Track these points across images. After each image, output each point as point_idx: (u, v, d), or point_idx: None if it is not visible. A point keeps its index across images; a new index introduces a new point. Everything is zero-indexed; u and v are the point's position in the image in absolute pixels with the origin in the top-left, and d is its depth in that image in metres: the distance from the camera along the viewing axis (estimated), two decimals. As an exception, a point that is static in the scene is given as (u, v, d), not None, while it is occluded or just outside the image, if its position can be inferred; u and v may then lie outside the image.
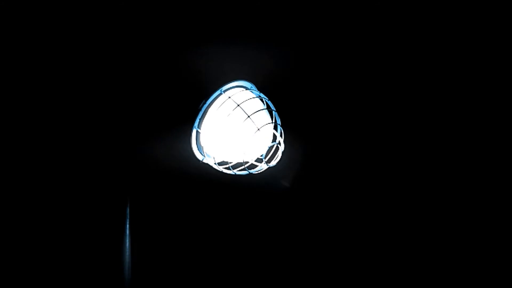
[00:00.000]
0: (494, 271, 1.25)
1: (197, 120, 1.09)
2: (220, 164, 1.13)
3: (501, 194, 1.28)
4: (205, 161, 1.14)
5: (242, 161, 1.10)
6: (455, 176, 1.29)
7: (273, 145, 1.13)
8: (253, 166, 1.14)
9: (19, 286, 1.11)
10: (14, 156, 1.15)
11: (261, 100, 1.13)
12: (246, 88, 1.14)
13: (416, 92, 1.32)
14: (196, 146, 1.12)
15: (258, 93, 1.14)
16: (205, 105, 1.09)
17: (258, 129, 1.07)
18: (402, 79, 1.32)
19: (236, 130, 1.07)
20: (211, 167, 1.14)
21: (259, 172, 1.14)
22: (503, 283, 1.25)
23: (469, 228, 1.27)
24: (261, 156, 1.12)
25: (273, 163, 1.13)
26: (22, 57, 1.16)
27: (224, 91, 1.10)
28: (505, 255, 1.25)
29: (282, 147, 1.13)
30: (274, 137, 1.14)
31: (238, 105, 1.08)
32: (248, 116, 1.07)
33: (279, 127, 1.13)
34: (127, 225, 1.15)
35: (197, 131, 1.10)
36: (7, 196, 1.14)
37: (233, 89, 1.12)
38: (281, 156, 1.13)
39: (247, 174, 1.14)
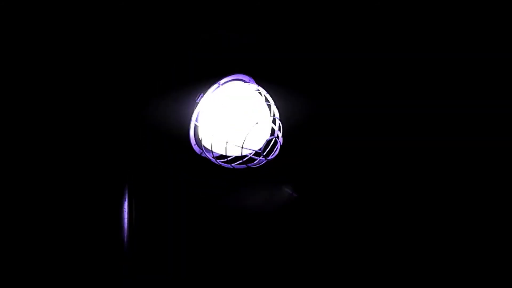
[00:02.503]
0: (494, 271, 1.25)
1: (195, 114, 1.09)
2: (218, 158, 1.13)
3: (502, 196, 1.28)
4: (203, 154, 1.14)
5: (240, 155, 1.10)
6: (456, 176, 1.29)
7: (272, 139, 1.12)
8: (251, 160, 1.14)
9: (18, 283, 1.11)
10: (12, 153, 1.16)
11: (259, 93, 1.13)
12: (244, 81, 1.14)
13: (416, 88, 1.31)
14: (194, 139, 1.12)
15: (256, 86, 1.13)
16: (203, 99, 1.09)
17: (256, 123, 1.07)
18: (402, 75, 1.31)
19: (234, 124, 1.07)
20: (209, 160, 1.14)
21: (257, 166, 1.14)
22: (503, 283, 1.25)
23: (470, 230, 1.27)
24: (259, 150, 1.11)
25: (271, 157, 1.13)
26: (22, 57, 1.16)
27: (222, 84, 1.10)
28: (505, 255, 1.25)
29: (280, 141, 1.13)
30: (273, 130, 1.13)
31: (236, 99, 1.07)
32: (246, 110, 1.06)
33: (277, 121, 1.13)
34: (125, 220, 1.15)
35: (195, 125, 1.10)
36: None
37: (231, 82, 1.12)
38: (279, 150, 1.13)
39: (245, 168, 1.13)
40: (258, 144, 1.11)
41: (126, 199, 1.16)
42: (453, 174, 1.29)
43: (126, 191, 1.16)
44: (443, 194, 1.28)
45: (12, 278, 1.11)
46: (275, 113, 1.13)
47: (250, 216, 1.25)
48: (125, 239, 1.14)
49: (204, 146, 1.12)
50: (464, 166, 1.28)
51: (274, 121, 1.14)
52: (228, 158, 1.11)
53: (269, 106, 1.13)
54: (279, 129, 1.13)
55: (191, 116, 1.09)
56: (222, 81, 1.10)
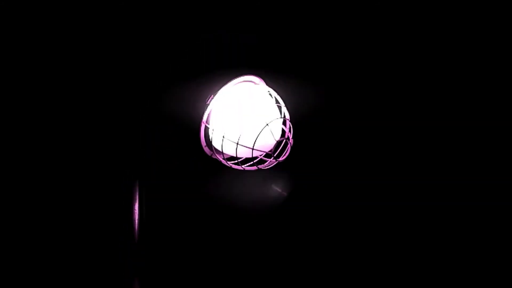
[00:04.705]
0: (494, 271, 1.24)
1: (206, 115, 1.09)
2: (228, 159, 1.13)
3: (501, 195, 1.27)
4: (213, 156, 1.14)
5: (251, 157, 1.10)
6: (456, 177, 1.28)
7: (282, 140, 1.12)
8: (262, 162, 1.13)
9: (20, 285, 1.11)
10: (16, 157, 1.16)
11: (270, 95, 1.13)
12: (255, 83, 1.14)
13: (421, 90, 1.31)
14: (204, 141, 1.12)
15: (266, 87, 1.13)
16: (214, 100, 1.09)
17: (267, 124, 1.06)
18: (409, 76, 1.31)
19: (245, 125, 1.07)
20: (220, 162, 1.14)
21: (268, 167, 1.14)
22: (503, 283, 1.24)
23: (470, 228, 1.26)
24: (270, 151, 1.11)
25: (282, 158, 1.12)
26: (22, 57, 1.17)
27: (233, 86, 1.10)
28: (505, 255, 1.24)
29: (291, 142, 1.12)
30: (283, 132, 1.13)
31: (247, 100, 1.07)
32: (257, 112, 1.06)
33: (288, 122, 1.13)
34: (136, 221, 1.15)
35: (205, 126, 1.10)
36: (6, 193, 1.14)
37: (241, 84, 1.11)
38: (290, 151, 1.12)
39: (255, 170, 1.13)
40: (268, 146, 1.11)
41: (137, 201, 1.16)
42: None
43: (137, 193, 1.16)
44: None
45: (16, 279, 1.11)
46: (285, 115, 1.13)
47: (259, 212, 1.25)
48: (136, 240, 1.14)
49: (214, 148, 1.12)
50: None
51: (284, 123, 1.13)
52: (239, 160, 1.11)
53: (280, 107, 1.12)
54: (290, 131, 1.13)
55: (201, 117, 1.09)
56: (232, 82, 1.10)
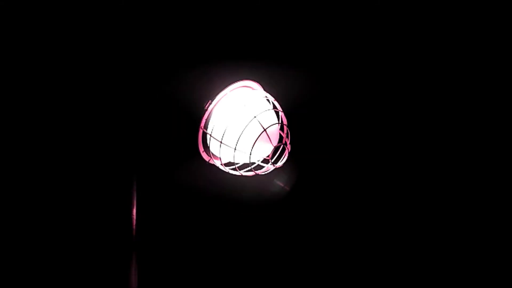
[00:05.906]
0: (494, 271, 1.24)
1: (203, 121, 1.09)
2: (226, 165, 1.13)
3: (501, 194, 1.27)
4: (211, 162, 1.14)
5: (249, 162, 1.10)
6: (456, 176, 1.28)
7: (280, 146, 1.12)
8: (259, 167, 1.13)
9: (23, 281, 1.11)
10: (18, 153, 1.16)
11: (267, 100, 1.13)
12: (252, 88, 1.14)
13: (422, 95, 1.31)
14: (202, 146, 1.12)
15: (264, 93, 1.13)
16: (211, 106, 1.09)
17: (265, 130, 1.06)
18: (408, 79, 1.31)
19: (243, 131, 1.07)
20: (218, 168, 1.14)
21: (265, 173, 1.13)
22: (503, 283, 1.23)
23: (469, 228, 1.26)
24: (268, 157, 1.11)
25: (280, 164, 1.12)
26: (22, 57, 1.17)
27: (230, 91, 1.10)
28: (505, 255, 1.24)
29: (288, 148, 1.12)
30: (281, 137, 1.13)
31: (244, 106, 1.07)
32: (255, 117, 1.06)
33: (285, 128, 1.13)
34: (134, 226, 1.15)
35: (203, 132, 1.10)
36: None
37: (239, 89, 1.12)
38: (288, 157, 1.12)
39: (253, 175, 1.13)
40: (266, 151, 1.11)
41: (135, 207, 1.16)
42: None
43: (135, 199, 1.16)
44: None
45: (15, 278, 1.11)
46: (283, 120, 1.13)
47: (256, 218, 1.25)
48: (133, 244, 1.14)
49: (212, 153, 1.12)
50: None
51: (282, 128, 1.13)
52: (236, 165, 1.11)
53: (277, 113, 1.12)
54: (287, 136, 1.13)
55: (199, 123, 1.09)
56: (230, 87, 1.10)
